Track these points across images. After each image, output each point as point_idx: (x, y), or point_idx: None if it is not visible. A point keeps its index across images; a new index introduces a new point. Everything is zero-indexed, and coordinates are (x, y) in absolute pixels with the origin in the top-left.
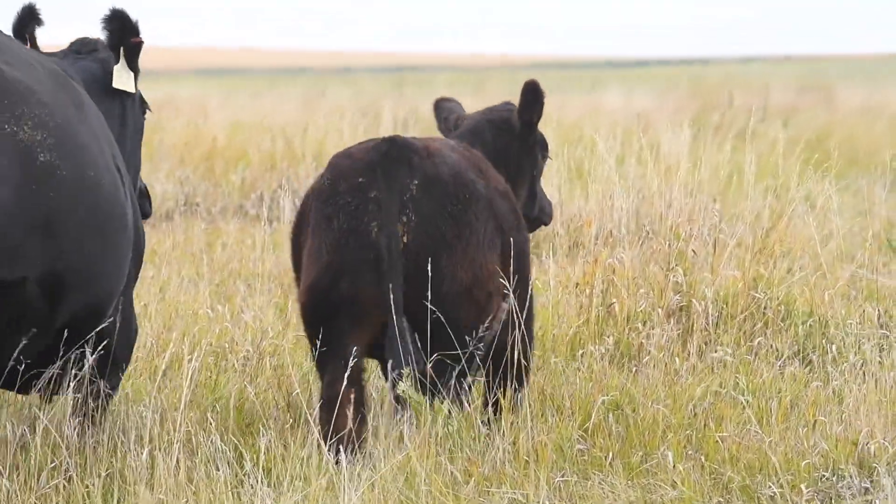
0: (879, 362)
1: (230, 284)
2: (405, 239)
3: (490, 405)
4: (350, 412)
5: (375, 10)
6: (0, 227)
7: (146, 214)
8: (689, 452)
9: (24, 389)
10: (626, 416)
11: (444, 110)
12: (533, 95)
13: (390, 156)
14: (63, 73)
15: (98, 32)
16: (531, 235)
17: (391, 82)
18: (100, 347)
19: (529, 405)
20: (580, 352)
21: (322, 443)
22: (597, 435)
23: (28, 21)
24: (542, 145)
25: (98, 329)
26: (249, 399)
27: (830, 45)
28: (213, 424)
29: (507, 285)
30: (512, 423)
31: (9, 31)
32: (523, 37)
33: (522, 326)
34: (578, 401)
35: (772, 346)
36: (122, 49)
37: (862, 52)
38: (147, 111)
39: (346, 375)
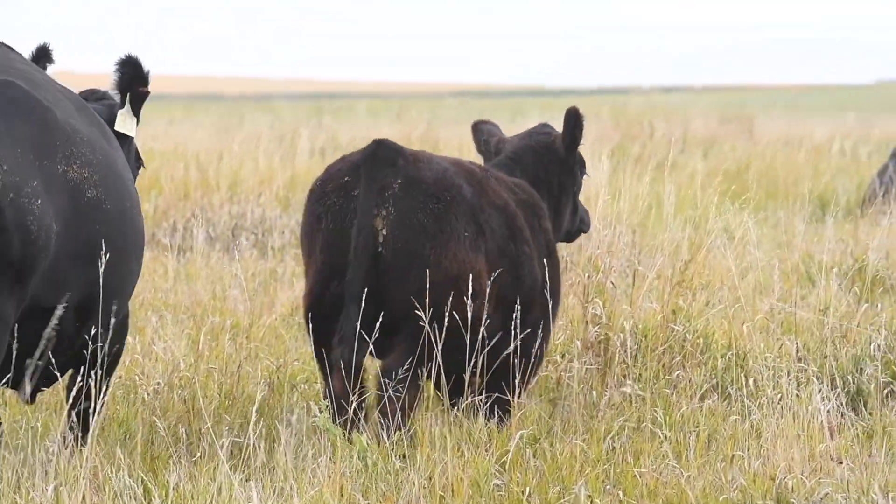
0: (797, 396)
1: (141, 316)
2: (384, 231)
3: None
4: (349, 408)
5: (294, 37)
6: (51, 260)
7: None
8: (607, 487)
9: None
10: (543, 451)
11: (483, 133)
12: (575, 121)
13: (376, 156)
14: (85, 103)
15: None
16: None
17: (310, 110)
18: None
19: (445, 437)
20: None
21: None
22: (514, 469)
23: (41, 59)
24: (581, 164)
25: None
26: (159, 433)
27: (750, 76)
28: (122, 459)
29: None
30: (428, 457)
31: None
32: (447, 64)
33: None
34: (496, 434)
35: (690, 379)
36: (128, 94)
37: (782, 83)
38: (142, 167)
39: (341, 373)
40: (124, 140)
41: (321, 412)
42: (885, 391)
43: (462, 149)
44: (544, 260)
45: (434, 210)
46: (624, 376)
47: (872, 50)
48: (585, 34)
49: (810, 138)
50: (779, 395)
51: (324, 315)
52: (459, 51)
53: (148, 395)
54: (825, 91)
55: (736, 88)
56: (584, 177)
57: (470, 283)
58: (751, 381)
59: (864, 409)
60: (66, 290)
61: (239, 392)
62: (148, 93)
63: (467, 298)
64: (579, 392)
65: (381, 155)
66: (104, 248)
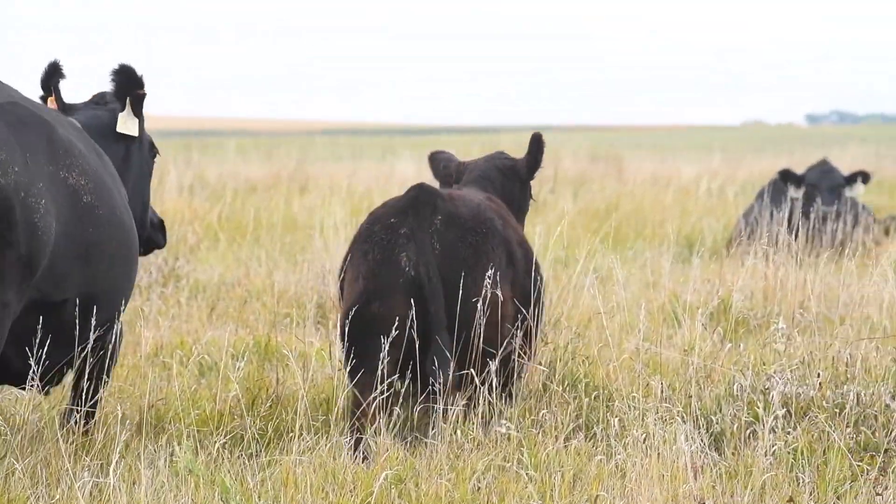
0: (662, 436)
1: None
2: (433, 262)
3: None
4: (378, 418)
5: (163, 73)
6: (52, 257)
7: (159, 245)
8: None
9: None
10: (409, 491)
11: (440, 161)
12: (537, 146)
13: (419, 199)
14: (80, 128)
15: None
16: None
17: (178, 147)
18: (105, 351)
19: (308, 478)
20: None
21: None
22: None
23: (53, 75)
24: (529, 188)
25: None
26: (16, 475)
27: (620, 117)
28: None
29: (526, 315)
30: (292, 498)
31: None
32: (315, 102)
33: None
34: (361, 474)
35: (556, 418)
36: (127, 99)
37: (651, 124)
38: (157, 154)
39: (375, 385)
40: (133, 139)
41: (183, 453)
42: (748, 431)
43: (333, 187)
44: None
45: (472, 242)
46: (490, 416)
47: (739, 91)
48: (457, 73)
49: (678, 178)
50: (644, 435)
51: (362, 331)
52: (330, 89)
53: (6, 435)
54: (693, 131)
55: (606, 128)
56: (531, 201)
57: (504, 308)
58: (616, 420)
59: (726, 449)
60: (66, 286)
61: (102, 432)
62: (145, 94)
63: (498, 319)
64: (445, 432)
65: (423, 199)
66: (96, 251)
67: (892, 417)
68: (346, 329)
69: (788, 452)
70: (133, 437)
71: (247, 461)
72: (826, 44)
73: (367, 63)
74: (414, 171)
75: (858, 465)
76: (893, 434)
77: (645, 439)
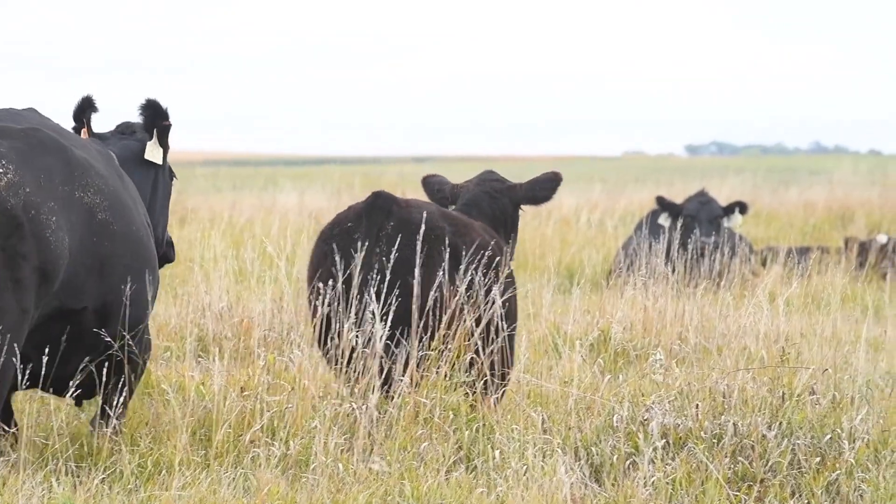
0: (542, 468)
1: None
2: (376, 263)
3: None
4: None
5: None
6: (69, 269)
7: (170, 260)
8: None
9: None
10: None
11: (433, 184)
12: (553, 183)
13: (374, 205)
14: (108, 153)
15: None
16: None
17: None
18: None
19: None
20: (248, 457)
21: None
22: None
23: (86, 108)
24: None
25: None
26: None
27: (502, 147)
28: None
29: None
30: None
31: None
32: (195, 133)
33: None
34: None
35: (437, 451)
36: (154, 130)
37: (533, 154)
38: (174, 178)
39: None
40: (159, 166)
41: (62, 488)
42: (627, 462)
43: (213, 219)
44: (503, 287)
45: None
46: (371, 449)
47: (619, 123)
48: (337, 103)
49: (559, 210)
50: (524, 467)
51: (326, 327)
52: (210, 121)
53: None
54: (575, 162)
55: (487, 159)
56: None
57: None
58: (497, 452)
59: (606, 480)
60: (84, 296)
61: None
62: (170, 125)
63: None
64: (326, 465)
65: (379, 205)
66: (111, 264)
67: (768, 447)
68: (316, 325)
69: (667, 483)
70: (10, 473)
71: (126, 497)
72: (705, 75)
73: (246, 94)
74: (296, 202)
75: (735, 495)
76: (770, 464)
77: (525, 471)
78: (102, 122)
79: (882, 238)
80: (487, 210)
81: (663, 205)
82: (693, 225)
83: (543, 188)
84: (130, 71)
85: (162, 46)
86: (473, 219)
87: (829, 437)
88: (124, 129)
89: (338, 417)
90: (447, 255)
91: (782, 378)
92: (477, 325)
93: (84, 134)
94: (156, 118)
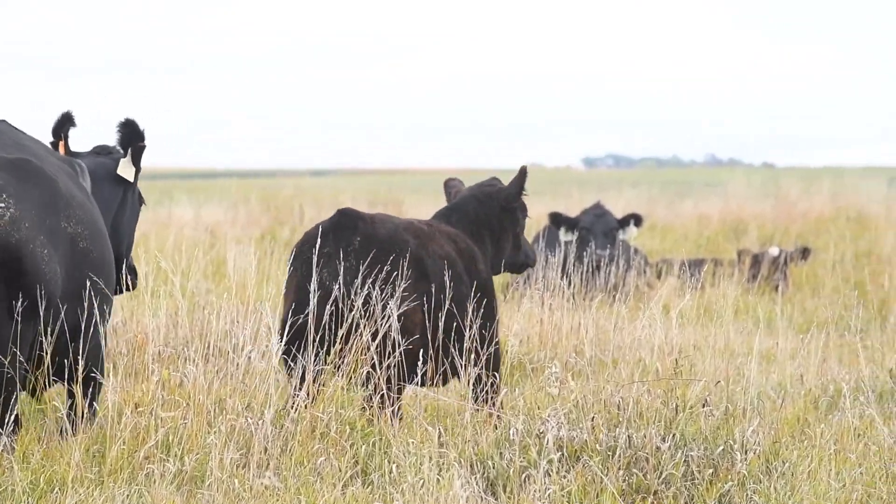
0: (438, 481)
1: None
2: (342, 276)
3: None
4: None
5: None
6: (53, 297)
7: (129, 289)
8: None
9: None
10: None
11: (451, 188)
12: (520, 177)
13: (339, 223)
14: (73, 171)
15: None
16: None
17: None
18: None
19: None
20: (142, 473)
21: None
22: None
23: (65, 123)
24: (523, 208)
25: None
26: None
27: (402, 160)
28: None
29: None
30: None
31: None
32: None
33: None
34: None
35: (334, 465)
36: (130, 149)
37: (433, 167)
38: (143, 204)
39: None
40: (130, 185)
41: None
42: (523, 475)
43: None
44: (479, 294)
45: (384, 261)
46: (267, 464)
47: (519, 134)
48: (234, 115)
49: None
50: (420, 481)
51: (293, 338)
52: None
53: None
54: (475, 175)
55: (385, 171)
56: (527, 218)
57: (414, 316)
58: (394, 466)
59: (502, 493)
60: (62, 319)
61: None
62: (145, 146)
63: (411, 326)
64: (222, 481)
65: (344, 222)
66: (90, 289)
67: (662, 459)
68: (282, 336)
69: (563, 495)
70: None
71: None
72: (601, 87)
73: (142, 107)
74: (192, 216)
75: None
76: (663, 476)
77: (422, 485)
78: (102, 124)
79: (774, 250)
80: (472, 214)
81: (558, 221)
82: (588, 238)
83: (516, 183)
84: (130, 71)
85: (162, 46)
86: (453, 223)
87: (721, 448)
88: (100, 151)
89: (233, 433)
90: (414, 269)
91: (676, 390)
92: (374, 337)
93: (61, 148)
94: (132, 138)
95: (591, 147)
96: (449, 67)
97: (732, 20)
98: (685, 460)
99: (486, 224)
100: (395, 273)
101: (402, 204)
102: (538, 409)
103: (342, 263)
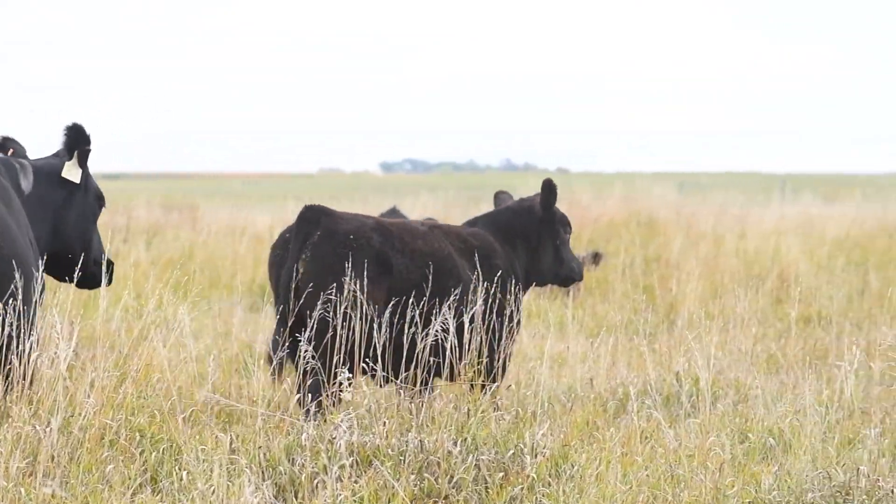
0: (229, 488)
1: None
2: (301, 270)
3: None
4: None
5: None
6: None
7: (98, 284)
8: None
9: None
10: None
11: (500, 200)
12: (548, 190)
13: (303, 217)
14: (10, 164)
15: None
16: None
17: None
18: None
19: None
20: None
21: None
22: None
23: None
24: (563, 222)
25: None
26: None
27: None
28: None
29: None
30: None
31: None
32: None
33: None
34: None
35: (123, 473)
36: (76, 152)
37: (228, 171)
38: (103, 206)
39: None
40: (77, 186)
41: None
42: (315, 481)
43: None
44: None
45: (341, 254)
46: (55, 473)
47: (315, 139)
48: (233, 116)
49: (253, 227)
50: (211, 488)
51: (279, 325)
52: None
53: None
54: (271, 179)
55: (181, 176)
56: (568, 234)
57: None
58: (184, 473)
59: (294, 499)
60: None
61: None
62: (90, 150)
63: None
64: (7, 490)
65: (308, 216)
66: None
67: (453, 464)
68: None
69: (354, 501)
70: None
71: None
72: (705, 75)
73: (143, 107)
74: None
75: None
76: (454, 480)
77: (212, 492)
78: (103, 123)
79: None
80: (502, 222)
81: None
82: None
83: (545, 195)
84: (130, 71)
85: (162, 46)
86: (481, 228)
87: (512, 452)
88: (60, 153)
89: (20, 440)
90: (374, 262)
91: (468, 394)
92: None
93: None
94: (79, 141)
95: (389, 151)
96: (449, 67)
97: (732, 20)
98: (476, 464)
99: (520, 233)
100: (354, 265)
101: (198, 209)
102: (331, 414)
103: (302, 256)
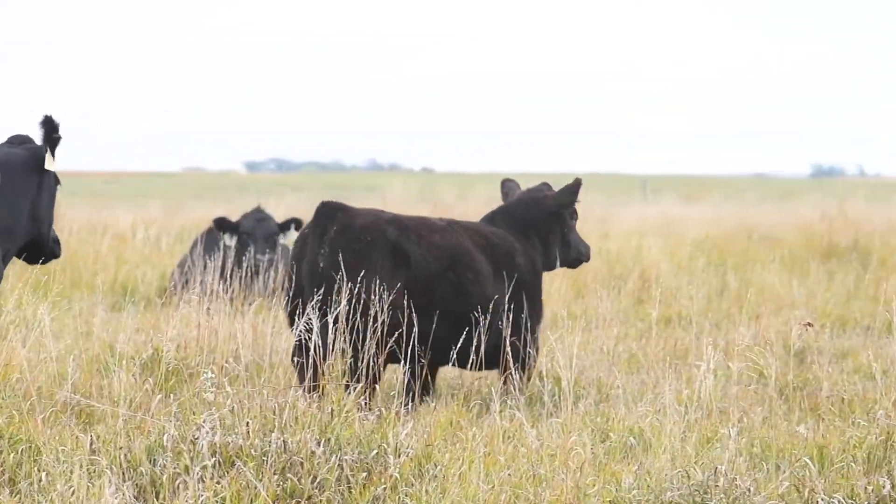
0: (89, 489)
1: None
2: (321, 264)
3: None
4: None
5: None
6: None
7: (56, 256)
8: None
9: None
10: None
11: (506, 188)
12: (573, 187)
13: (321, 213)
14: None
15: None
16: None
17: None
18: None
19: None
20: None
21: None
22: None
23: None
24: (572, 212)
25: None
26: None
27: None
28: None
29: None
30: None
31: None
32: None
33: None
34: None
35: None
36: (50, 141)
37: (88, 170)
38: (59, 184)
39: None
40: (48, 172)
41: None
42: (177, 482)
43: None
44: (517, 287)
45: (357, 248)
46: None
47: (232, 139)
48: (233, 116)
49: (115, 226)
50: (70, 489)
51: (290, 315)
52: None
53: None
54: (135, 178)
55: (97, 174)
56: (575, 220)
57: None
58: (43, 474)
59: (155, 500)
60: None
61: None
62: (60, 138)
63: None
64: None
65: (325, 212)
66: None
67: (316, 464)
68: (286, 313)
69: (216, 501)
70: None
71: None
72: (705, 75)
73: (143, 107)
74: None
75: None
76: (318, 480)
77: (72, 493)
78: (103, 123)
79: None
80: (518, 217)
81: (222, 226)
82: (248, 242)
83: (568, 192)
84: (130, 71)
85: (162, 46)
86: (496, 224)
87: (375, 452)
88: (14, 139)
89: None
90: (389, 257)
91: (332, 395)
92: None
93: None
94: (50, 131)
95: (254, 151)
96: (449, 67)
97: (732, 20)
98: (339, 464)
99: (532, 226)
100: (370, 260)
101: (59, 206)
102: (193, 414)
103: (321, 252)
